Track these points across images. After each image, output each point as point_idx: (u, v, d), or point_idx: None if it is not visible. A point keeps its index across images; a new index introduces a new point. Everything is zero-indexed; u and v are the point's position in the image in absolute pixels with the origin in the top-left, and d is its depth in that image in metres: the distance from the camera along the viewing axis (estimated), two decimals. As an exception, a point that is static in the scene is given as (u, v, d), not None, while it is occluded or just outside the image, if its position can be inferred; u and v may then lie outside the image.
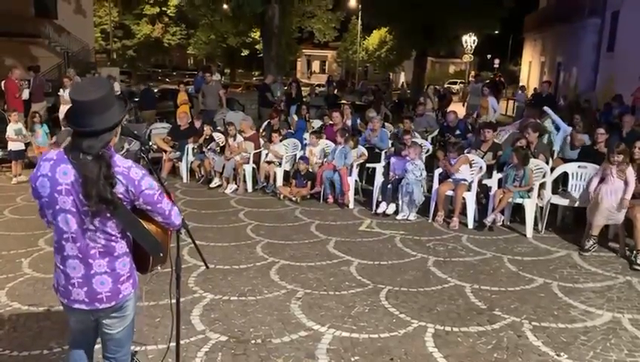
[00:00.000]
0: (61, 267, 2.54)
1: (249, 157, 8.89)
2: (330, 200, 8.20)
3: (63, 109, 12.09)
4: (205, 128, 9.36)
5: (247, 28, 34.88)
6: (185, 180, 9.53)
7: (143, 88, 15.08)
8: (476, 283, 5.23)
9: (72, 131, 2.48)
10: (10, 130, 9.12)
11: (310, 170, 8.50)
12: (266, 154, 8.94)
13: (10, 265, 5.53)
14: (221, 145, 9.15)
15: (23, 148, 9.31)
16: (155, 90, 18.46)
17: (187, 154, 9.42)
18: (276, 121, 9.83)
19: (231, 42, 39.62)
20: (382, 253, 6.10)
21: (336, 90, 20.34)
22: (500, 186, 7.15)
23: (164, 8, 37.85)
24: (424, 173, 7.59)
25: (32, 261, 5.66)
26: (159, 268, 2.74)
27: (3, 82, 12.40)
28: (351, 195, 8.09)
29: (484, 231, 6.90)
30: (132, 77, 31.31)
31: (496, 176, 7.36)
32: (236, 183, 8.84)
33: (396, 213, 7.51)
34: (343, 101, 16.24)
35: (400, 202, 7.51)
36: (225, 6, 27.01)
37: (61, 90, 12.28)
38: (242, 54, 42.90)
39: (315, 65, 59.26)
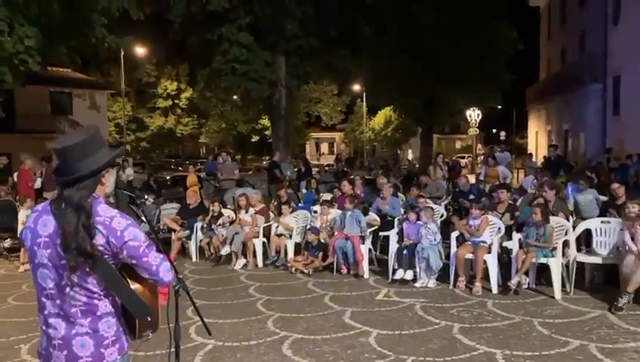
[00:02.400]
0: (43, 327, 2.29)
1: (259, 230, 8.67)
2: (344, 270, 7.86)
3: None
4: (214, 204, 9.22)
5: (256, 115, 35.94)
6: (194, 259, 9.27)
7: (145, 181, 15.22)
8: (507, 349, 4.80)
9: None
10: (22, 215, 9.06)
11: (322, 240, 8.24)
12: (277, 227, 8.72)
13: (7, 352, 5.20)
14: (230, 219, 8.95)
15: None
16: (167, 178, 18.72)
17: (196, 232, 9.23)
18: (284, 193, 9.70)
19: (241, 129, 40.75)
20: (402, 322, 5.69)
21: (345, 168, 20.41)
22: (521, 247, 6.81)
23: (176, 101, 39.32)
24: (438, 237, 7.29)
25: (31, 347, 5.31)
26: (150, 334, 2.45)
27: (16, 173, 12.57)
28: (365, 265, 7.75)
29: (510, 294, 6.48)
30: (145, 167, 31.86)
31: (516, 236, 7.04)
32: (246, 258, 8.55)
33: (414, 280, 7.15)
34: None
35: (417, 269, 7.17)
36: (235, 97, 27.97)
37: (72, 177, 12.36)
38: (252, 140, 43.96)
39: (324, 147, 60.41)
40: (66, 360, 2.22)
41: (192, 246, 9.31)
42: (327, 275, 7.88)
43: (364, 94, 42.39)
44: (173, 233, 9.37)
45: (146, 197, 14.09)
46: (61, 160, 2.29)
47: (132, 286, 2.31)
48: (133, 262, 2.26)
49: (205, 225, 9.29)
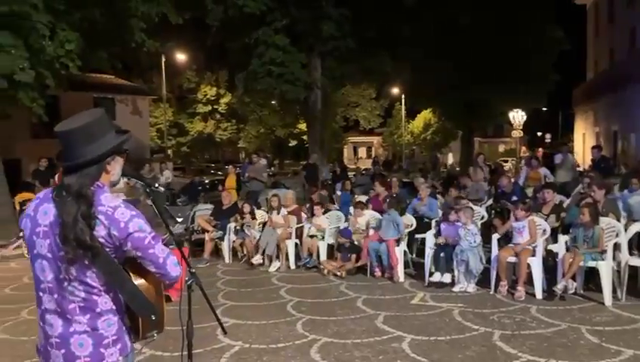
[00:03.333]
0: (41, 323, 2.14)
1: (292, 231, 8.50)
2: (378, 273, 7.59)
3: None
4: (244, 206, 9.11)
5: (293, 119, 35.99)
6: (227, 260, 9.17)
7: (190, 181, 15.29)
8: (553, 358, 4.44)
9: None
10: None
11: (355, 242, 7.99)
12: (309, 228, 8.52)
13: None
14: (249, 221, 8.81)
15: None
16: (206, 181, 18.89)
17: (229, 233, 9.14)
18: (317, 195, 9.50)
19: (279, 134, 40.90)
20: (438, 327, 5.38)
21: (382, 171, 20.09)
22: (568, 249, 6.37)
23: (215, 106, 39.83)
24: (478, 239, 6.91)
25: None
26: (155, 334, 2.27)
27: (57, 175, 12.83)
28: (400, 268, 7.45)
29: (555, 300, 6.06)
30: (186, 172, 32.35)
31: (563, 238, 6.60)
32: (279, 260, 8.39)
33: (452, 284, 6.80)
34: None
35: (456, 272, 6.83)
36: (273, 101, 28.06)
37: (111, 179, 12.54)
38: (290, 145, 44.11)
39: (362, 152, 60.02)
40: (64, 359, 2.07)
41: (225, 247, 9.22)
42: (361, 278, 7.62)
43: (403, 97, 41.95)
44: (206, 234, 9.31)
45: (179, 200, 14.24)
46: (64, 144, 2.13)
47: (135, 282, 2.14)
48: (139, 254, 2.10)
49: (238, 227, 9.20)
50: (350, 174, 21.02)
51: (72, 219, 1.99)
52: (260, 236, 8.50)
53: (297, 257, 8.56)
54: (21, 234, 10.34)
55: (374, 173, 19.26)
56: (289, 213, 8.76)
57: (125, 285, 2.09)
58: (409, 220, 8.16)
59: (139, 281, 2.15)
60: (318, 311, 6.04)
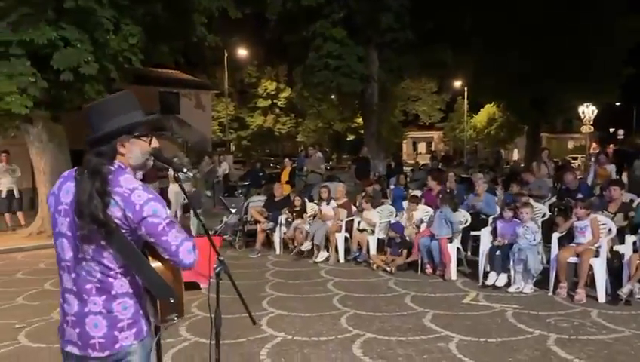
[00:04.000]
0: (61, 301, 2.15)
1: (341, 224, 8.39)
2: (429, 270, 7.35)
3: (172, 188, 12.66)
4: (296, 199, 9.10)
5: (351, 114, 35.79)
6: (278, 251, 9.20)
7: (251, 168, 15.43)
8: (614, 367, 4.09)
9: None
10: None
11: (407, 237, 7.78)
12: (359, 222, 8.38)
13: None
14: (312, 213, 8.78)
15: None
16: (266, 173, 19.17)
17: (280, 225, 9.16)
18: (371, 189, 9.33)
19: (337, 128, 40.84)
20: (490, 328, 5.11)
21: (440, 165, 19.58)
22: (635, 251, 5.90)
23: (275, 100, 40.30)
24: (538, 237, 6.53)
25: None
26: (176, 318, 2.23)
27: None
28: (453, 266, 7.17)
29: (619, 305, 5.63)
30: (246, 165, 32.96)
31: (631, 239, 6.12)
32: (328, 252, 8.32)
33: (508, 284, 6.46)
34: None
35: (512, 272, 6.48)
36: (332, 96, 28.02)
37: (170, 170, 12.87)
38: (348, 139, 43.97)
39: (421, 147, 58.85)
40: (78, 338, 2.07)
41: (276, 239, 9.25)
42: (411, 274, 7.41)
43: (466, 91, 40.74)
44: (258, 225, 9.37)
45: (240, 191, 14.42)
46: (87, 122, 2.16)
47: (153, 265, 2.11)
48: (152, 240, 2.06)
49: (290, 219, 9.20)
50: (407, 169, 20.68)
51: (87, 196, 1.98)
52: (310, 227, 8.45)
53: (347, 251, 8.45)
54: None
55: (432, 167, 18.83)
56: (339, 205, 8.65)
57: (142, 267, 2.06)
58: (463, 216, 7.84)
59: (156, 264, 2.11)
60: (364, 306, 5.91)
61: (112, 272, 2.05)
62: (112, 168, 2.07)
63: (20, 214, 12.46)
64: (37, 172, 12.10)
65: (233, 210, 9.98)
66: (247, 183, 15.80)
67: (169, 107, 28.86)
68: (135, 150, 2.17)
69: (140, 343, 2.11)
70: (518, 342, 4.73)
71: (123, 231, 2.02)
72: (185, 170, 2.52)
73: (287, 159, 12.32)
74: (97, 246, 2.02)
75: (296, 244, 8.86)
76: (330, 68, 16.36)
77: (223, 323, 4.92)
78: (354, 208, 8.91)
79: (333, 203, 8.68)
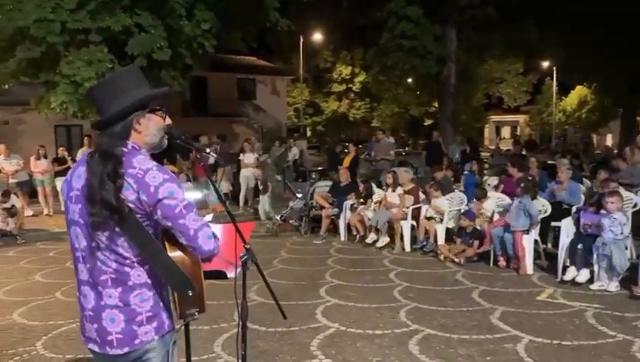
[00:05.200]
0: (78, 294, 2.02)
1: (407, 212, 8.02)
2: (503, 263, 6.82)
3: (244, 172, 12.79)
4: (361, 185, 8.81)
5: (429, 98, 34.70)
6: (342, 238, 8.98)
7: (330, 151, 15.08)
8: None
9: None
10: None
11: (478, 227, 7.27)
12: (426, 210, 7.96)
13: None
14: (377, 199, 8.47)
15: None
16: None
17: (345, 211, 8.92)
18: (441, 175, 8.85)
19: (414, 112, 39.78)
20: (565, 329, 4.60)
21: (523, 150, 18.43)
22: None
23: (350, 85, 39.91)
24: (627, 230, 5.83)
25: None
26: (196, 313, 2.04)
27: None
28: (529, 259, 6.60)
29: None
30: (320, 150, 33.02)
31: None
32: (392, 240, 8.00)
33: (590, 281, 5.84)
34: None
35: (595, 268, 5.84)
36: (409, 80, 27.26)
37: (241, 154, 13.03)
38: (425, 124, 42.74)
39: (505, 131, 56.05)
40: (97, 334, 1.93)
41: (341, 225, 9.03)
42: (482, 267, 6.91)
43: (554, 71, 38.16)
44: (323, 210, 9.20)
45: (314, 176, 14.31)
46: (95, 103, 2.02)
47: (170, 254, 1.92)
48: (168, 224, 1.88)
49: (356, 204, 8.94)
50: (487, 155, 19.68)
51: (99, 180, 1.83)
52: (373, 215, 8.15)
53: (414, 240, 8.07)
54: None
55: (514, 153, 17.77)
56: (405, 192, 8.26)
57: (158, 256, 1.89)
58: (542, 205, 7.20)
59: (174, 253, 1.93)
60: (427, 300, 5.55)
61: (128, 261, 1.90)
62: (125, 149, 1.91)
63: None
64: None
65: (299, 195, 9.89)
66: (320, 168, 15.67)
67: (246, 93, 29.40)
68: (151, 126, 2.00)
69: (160, 339, 1.96)
70: (598, 346, 4.20)
71: (138, 216, 1.86)
72: (207, 150, 2.33)
73: (351, 145, 12.01)
74: (111, 233, 1.87)
75: (358, 231, 8.61)
76: (404, 49, 15.81)
77: (277, 311, 4.71)
78: (422, 195, 8.49)
79: (399, 189, 8.30)
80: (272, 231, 9.73)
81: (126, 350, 1.90)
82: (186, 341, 2.78)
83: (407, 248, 7.94)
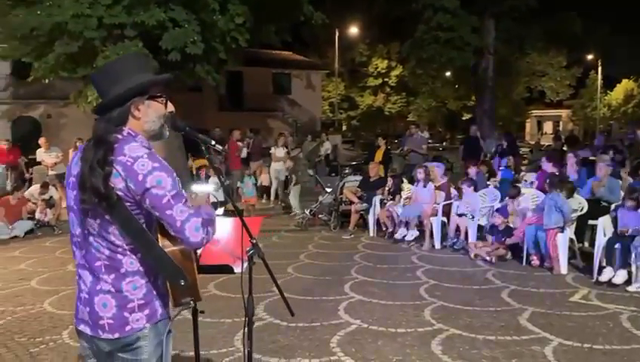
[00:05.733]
0: (76, 277, 2.03)
1: (438, 208, 7.84)
2: (536, 262, 6.58)
3: (275, 166, 12.82)
4: (389, 180, 8.67)
5: (467, 91, 33.99)
6: (371, 233, 8.87)
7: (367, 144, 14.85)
8: None
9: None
10: (212, 182, 9.79)
11: (511, 224, 7.05)
12: (458, 206, 7.77)
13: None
14: (408, 194, 8.32)
15: (224, 199, 9.85)
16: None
17: (374, 206, 8.81)
18: (474, 170, 8.62)
19: (451, 106, 39.06)
20: (597, 333, 4.39)
21: (564, 146, 17.81)
22: None
23: (385, 79, 39.46)
24: (668, 230, 5.52)
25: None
26: (191, 302, 2.01)
27: (227, 144, 13.79)
28: (563, 259, 6.35)
29: None
30: (355, 145, 32.81)
31: None
32: (423, 238, 7.84)
33: (628, 282, 5.57)
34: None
35: (633, 268, 5.57)
36: (448, 73, 26.77)
37: (273, 148, 13.06)
38: (463, 118, 41.91)
39: (547, 126, 54.32)
40: (89, 317, 1.94)
41: (370, 220, 8.92)
42: (513, 265, 6.69)
43: (599, 64, 36.82)
44: (352, 205, 9.12)
45: (346, 171, 14.22)
46: (96, 89, 2.02)
47: (162, 244, 1.90)
48: (156, 214, 1.85)
49: (386, 199, 8.82)
50: (527, 150, 19.12)
51: (89, 166, 1.83)
52: (402, 210, 8.01)
53: (445, 237, 7.88)
54: (193, 196, 11.44)
55: (554, 149, 17.20)
56: (436, 187, 8.08)
57: (148, 245, 1.87)
58: (579, 203, 6.91)
59: (166, 243, 1.91)
60: (453, 298, 5.40)
61: (120, 249, 1.90)
62: (119, 136, 1.90)
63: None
64: (159, 148, 12.87)
65: (328, 190, 9.82)
66: (354, 163, 15.52)
67: (281, 88, 29.52)
68: (151, 113, 1.98)
69: (152, 327, 1.94)
70: (632, 352, 3.99)
71: (128, 204, 1.85)
72: (213, 142, 2.28)
73: (380, 138, 11.84)
74: (102, 220, 1.87)
75: (387, 227, 8.48)
76: (441, 41, 15.49)
77: (300, 304, 4.72)
78: (454, 191, 8.29)
79: (430, 185, 8.12)
80: (302, 225, 9.70)
81: (117, 335, 1.90)
82: (194, 334, 2.78)
83: (437, 245, 7.77)
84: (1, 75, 18.87)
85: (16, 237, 9.14)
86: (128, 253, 1.90)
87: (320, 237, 8.97)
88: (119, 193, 1.82)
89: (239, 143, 13.55)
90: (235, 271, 2.42)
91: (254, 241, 2.33)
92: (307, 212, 9.90)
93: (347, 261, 7.14)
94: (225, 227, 2.58)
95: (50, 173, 11.90)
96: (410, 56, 17.92)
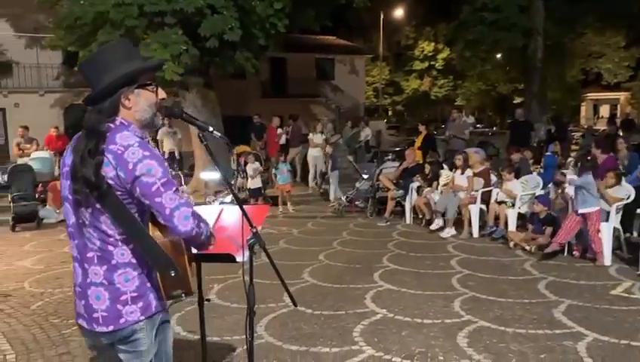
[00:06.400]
0: (73, 269, 2.04)
1: (476, 196, 7.60)
2: (577, 253, 6.28)
3: (312, 152, 12.79)
4: (426, 166, 8.45)
5: (518, 74, 32.77)
6: (407, 221, 8.72)
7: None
8: None
9: None
10: (250, 168, 9.85)
11: (552, 213, 6.74)
12: (498, 193, 7.50)
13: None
14: (446, 181, 8.10)
15: (261, 186, 9.91)
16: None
17: (411, 193, 8.63)
18: (517, 156, 8.29)
19: (501, 90, 37.77)
20: (636, 328, 4.15)
21: (619, 131, 16.92)
22: None
23: (432, 62, 38.57)
24: None
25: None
26: (183, 295, 1.99)
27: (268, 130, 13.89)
28: (607, 250, 6.02)
29: None
30: (400, 130, 32.34)
31: None
32: (461, 226, 7.62)
33: (677, 276, 5.23)
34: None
35: (684, 262, 5.22)
36: (498, 55, 25.85)
37: (310, 134, 13.02)
38: (514, 102, 40.49)
39: (604, 110, 51.75)
40: (84, 310, 1.94)
41: (407, 208, 8.76)
42: (554, 256, 6.40)
43: (662, 44, 34.46)
44: (388, 192, 8.97)
45: (389, 157, 13.99)
46: (85, 78, 1.97)
47: (153, 234, 1.88)
48: (146, 202, 1.83)
49: (423, 186, 8.61)
50: (579, 135, 18.30)
51: (80, 156, 1.83)
52: (438, 198, 7.81)
53: (484, 225, 7.63)
54: (232, 182, 11.35)
55: (607, 133, 16.37)
56: (475, 174, 7.81)
57: (140, 235, 1.86)
58: (625, 191, 6.51)
59: (157, 233, 1.89)
60: (486, 289, 5.22)
61: (111, 239, 1.88)
62: (112, 125, 1.88)
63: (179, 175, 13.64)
64: (193, 135, 13.08)
65: (365, 176, 9.70)
66: (397, 149, 15.24)
67: (324, 73, 29.34)
68: (141, 102, 1.95)
69: (148, 320, 1.93)
70: (675, 352, 3.73)
71: (118, 193, 1.83)
72: (210, 129, 2.23)
73: (420, 124, 11.54)
74: (93, 210, 1.87)
75: (424, 215, 8.30)
76: (486, 22, 14.91)
77: (327, 292, 4.66)
78: (494, 177, 8.01)
79: (468, 171, 7.86)
80: (338, 212, 9.65)
81: (111, 328, 1.89)
82: (201, 323, 2.78)
83: (475, 234, 7.54)
84: (54, 64, 19.59)
85: (63, 221, 9.50)
86: (120, 243, 1.89)
87: (355, 224, 8.88)
88: (110, 182, 1.81)
89: (279, 130, 13.59)
90: (237, 260, 2.39)
91: (255, 230, 2.28)
92: (343, 198, 9.82)
93: (380, 249, 7.03)
94: (233, 215, 2.55)
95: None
96: (458, 38, 17.35)
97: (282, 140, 13.49)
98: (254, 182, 9.72)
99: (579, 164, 6.39)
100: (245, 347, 3.94)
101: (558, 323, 4.31)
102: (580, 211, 6.03)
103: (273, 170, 10.76)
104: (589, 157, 6.62)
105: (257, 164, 9.85)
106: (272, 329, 4.31)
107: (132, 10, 10.30)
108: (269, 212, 9.54)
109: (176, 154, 13.45)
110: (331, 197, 10.75)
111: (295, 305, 2.48)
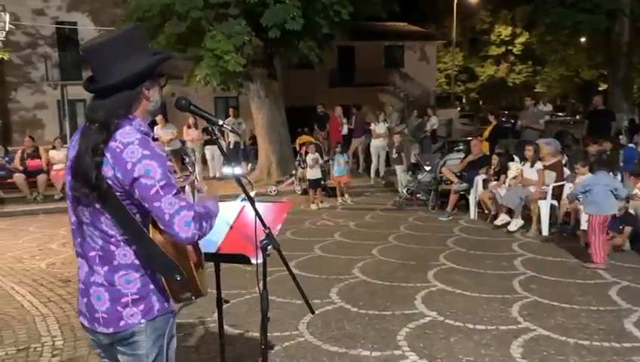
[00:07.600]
0: (79, 266, 1.99)
1: (547, 190, 7.06)
2: (658, 256, 5.67)
3: (375, 142, 12.50)
4: (494, 157, 7.96)
5: (603, 59, 30.51)
6: (472, 216, 8.29)
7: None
8: None
9: None
10: (309, 159, 9.75)
11: (631, 211, 6.13)
12: (569, 188, 6.92)
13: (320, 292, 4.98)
14: (515, 174, 7.60)
15: (320, 176, 9.79)
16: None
17: (476, 186, 8.19)
18: (595, 148, 7.63)
19: (585, 76, 35.35)
20: None
21: None
22: None
23: (509, 47, 36.71)
24: None
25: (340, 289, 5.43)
26: (193, 298, 1.88)
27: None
28: (696, 253, 5.39)
29: None
30: (474, 119, 31.12)
31: None
32: (529, 223, 7.13)
33: None
34: None
35: None
36: (582, 39, 24.19)
37: (372, 124, 12.73)
38: (600, 89, 37.78)
39: None
40: (86, 309, 1.88)
41: (471, 202, 8.33)
42: (631, 258, 5.84)
43: None
44: (452, 185, 8.57)
45: (459, 147, 13.42)
46: (92, 64, 1.83)
47: (154, 236, 1.77)
48: (145, 205, 1.72)
49: (490, 178, 8.14)
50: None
51: (81, 153, 1.75)
52: (505, 193, 7.33)
53: (552, 221, 7.10)
54: (293, 172, 11.41)
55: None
56: (546, 167, 7.26)
57: (140, 238, 1.76)
58: None
59: (158, 236, 1.78)
60: (550, 294, 4.81)
61: (113, 240, 1.80)
62: (119, 121, 1.77)
63: (243, 165, 13.82)
64: (256, 125, 13.21)
65: (427, 168, 9.33)
66: (469, 139, 14.59)
67: (393, 61, 28.70)
68: (156, 94, 1.88)
69: (150, 323, 1.84)
70: None
71: (118, 193, 1.74)
72: (220, 122, 2.11)
73: (489, 113, 10.90)
74: (93, 209, 1.79)
75: (489, 210, 7.84)
76: (566, 3, 13.87)
77: (376, 290, 4.48)
78: (567, 171, 7.42)
79: (538, 164, 7.32)
80: (398, 204, 9.36)
81: (111, 330, 1.83)
82: (219, 320, 2.67)
83: (545, 231, 7.01)
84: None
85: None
86: (122, 244, 1.80)
87: (415, 217, 8.57)
88: (109, 182, 1.72)
89: (340, 120, 13.40)
90: (252, 261, 2.26)
91: (267, 231, 2.14)
92: (404, 191, 9.51)
93: (438, 245, 6.71)
94: (249, 213, 2.41)
95: (167, 148, 12.69)
96: (532, 21, 16.31)
97: (344, 130, 13.29)
98: (313, 173, 9.61)
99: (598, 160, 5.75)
100: (283, 345, 3.88)
101: (629, 336, 3.87)
102: (588, 213, 5.44)
103: (330, 161, 10.62)
104: (607, 152, 5.95)
105: (317, 154, 9.71)
106: (313, 327, 4.19)
107: (197, 2, 10.47)
108: (327, 204, 9.51)
109: (241, 144, 13.62)
110: (399, 188, 10.42)
111: (312, 312, 2.31)
